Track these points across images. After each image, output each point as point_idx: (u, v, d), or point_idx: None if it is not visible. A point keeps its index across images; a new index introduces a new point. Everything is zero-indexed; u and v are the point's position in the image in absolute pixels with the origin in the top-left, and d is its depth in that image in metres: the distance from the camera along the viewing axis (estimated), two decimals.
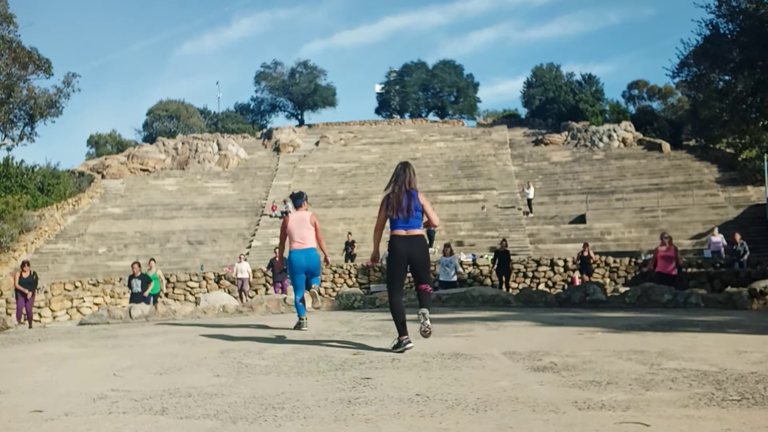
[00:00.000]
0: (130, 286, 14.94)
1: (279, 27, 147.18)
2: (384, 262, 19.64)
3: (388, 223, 5.57)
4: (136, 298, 14.34)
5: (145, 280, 14.86)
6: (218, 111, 58.06)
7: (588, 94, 46.59)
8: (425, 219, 5.54)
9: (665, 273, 12.30)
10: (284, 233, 7.37)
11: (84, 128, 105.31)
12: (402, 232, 5.39)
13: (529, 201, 30.18)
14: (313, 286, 7.30)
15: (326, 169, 39.22)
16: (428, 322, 5.27)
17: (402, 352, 5.19)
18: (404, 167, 5.58)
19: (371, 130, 49.49)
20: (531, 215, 29.79)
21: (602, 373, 4.19)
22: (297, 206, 7.40)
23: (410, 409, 3.37)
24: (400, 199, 5.40)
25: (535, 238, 27.23)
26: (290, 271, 7.25)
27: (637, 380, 3.94)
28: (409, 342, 5.26)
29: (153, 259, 16.80)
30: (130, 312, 9.70)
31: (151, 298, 14.90)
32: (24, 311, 14.96)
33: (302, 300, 7.29)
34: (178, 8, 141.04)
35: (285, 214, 7.84)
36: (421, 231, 5.46)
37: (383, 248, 5.94)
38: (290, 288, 8.79)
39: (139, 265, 15.13)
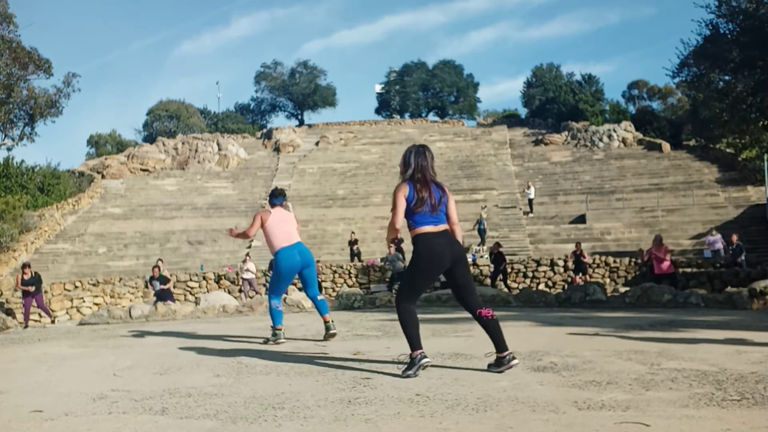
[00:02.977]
0: (152, 286, 15.76)
1: (278, 26, 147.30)
2: (394, 264, 19.58)
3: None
4: (160, 295, 15.01)
5: (163, 280, 15.60)
6: (218, 111, 58.12)
7: (588, 94, 46.60)
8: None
9: (660, 273, 12.63)
10: (256, 230, 6.43)
11: (84, 128, 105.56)
12: (432, 229, 4.32)
13: (530, 201, 30.21)
14: (324, 317, 6.28)
15: (326, 169, 39.22)
16: (511, 364, 4.30)
17: (416, 374, 4.21)
18: (425, 151, 4.50)
19: (371, 130, 49.49)
20: (531, 215, 29.80)
21: (602, 373, 4.19)
22: (277, 204, 6.49)
23: (410, 409, 3.37)
24: (431, 190, 4.37)
25: (535, 238, 27.22)
26: (280, 274, 6.32)
27: (637, 380, 3.94)
28: (425, 357, 4.27)
29: (161, 260, 17.54)
30: (130, 312, 9.71)
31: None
32: (39, 310, 15.66)
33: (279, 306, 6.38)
34: (177, 7, 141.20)
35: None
36: (447, 226, 4.44)
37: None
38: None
39: (159, 268, 15.98)
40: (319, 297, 6.47)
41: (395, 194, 4.37)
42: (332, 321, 6.37)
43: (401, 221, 4.39)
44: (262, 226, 6.32)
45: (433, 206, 4.34)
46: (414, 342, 4.27)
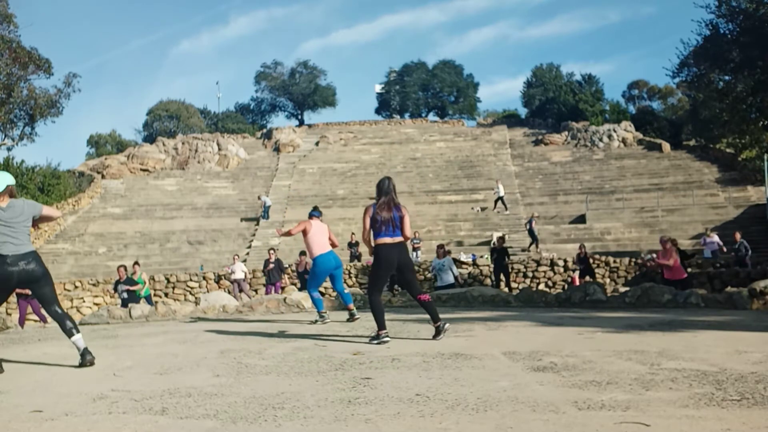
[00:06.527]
0: (116, 290, 14.45)
1: (276, 25, 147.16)
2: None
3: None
4: (126, 304, 13.39)
5: (131, 284, 14.33)
6: (218, 111, 58.09)
7: (588, 94, 46.58)
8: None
9: (670, 279, 11.16)
10: (298, 231, 8.14)
11: (84, 128, 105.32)
12: (389, 240, 5.99)
13: (500, 199, 29.62)
14: (349, 306, 8.06)
15: (326, 169, 39.21)
16: (445, 330, 6.02)
17: (379, 344, 5.76)
18: (389, 183, 6.14)
19: (371, 130, 49.46)
20: (507, 213, 29.62)
21: (602, 373, 4.19)
22: (316, 216, 8.26)
23: (410, 409, 3.37)
24: (390, 215, 5.99)
25: None
26: (317, 273, 8.12)
27: (637, 380, 3.94)
28: (387, 336, 5.90)
29: (137, 263, 16.14)
30: (130, 312, 9.71)
31: (141, 300, 14.26)
32: (35, 314, 14.09)
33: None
34: (175, 7, 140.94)
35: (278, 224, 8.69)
36: (402, 238, 6.05)
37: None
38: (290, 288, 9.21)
39: (125, 269, 14.53)
40: (345, 290, 8.23)
41: (363, 215, 6.09)
42: (355, 309, 8.03)
43: (368, 232, 6.06)
44: (305, 233, 8.01)
45: (393, 225, 5.97)
46: (381, 324, 5.93)
